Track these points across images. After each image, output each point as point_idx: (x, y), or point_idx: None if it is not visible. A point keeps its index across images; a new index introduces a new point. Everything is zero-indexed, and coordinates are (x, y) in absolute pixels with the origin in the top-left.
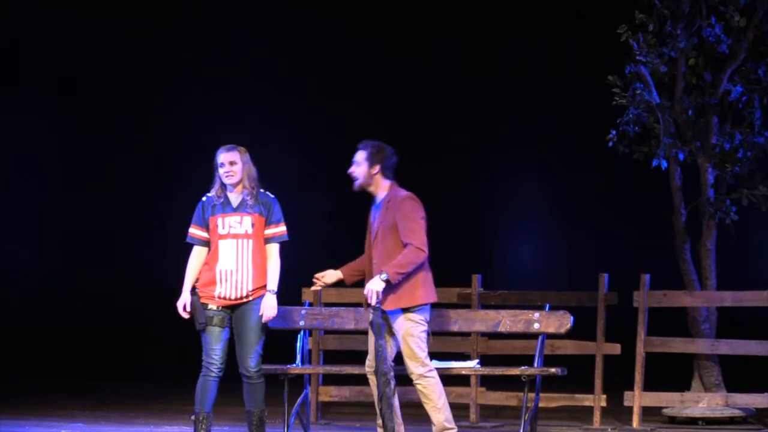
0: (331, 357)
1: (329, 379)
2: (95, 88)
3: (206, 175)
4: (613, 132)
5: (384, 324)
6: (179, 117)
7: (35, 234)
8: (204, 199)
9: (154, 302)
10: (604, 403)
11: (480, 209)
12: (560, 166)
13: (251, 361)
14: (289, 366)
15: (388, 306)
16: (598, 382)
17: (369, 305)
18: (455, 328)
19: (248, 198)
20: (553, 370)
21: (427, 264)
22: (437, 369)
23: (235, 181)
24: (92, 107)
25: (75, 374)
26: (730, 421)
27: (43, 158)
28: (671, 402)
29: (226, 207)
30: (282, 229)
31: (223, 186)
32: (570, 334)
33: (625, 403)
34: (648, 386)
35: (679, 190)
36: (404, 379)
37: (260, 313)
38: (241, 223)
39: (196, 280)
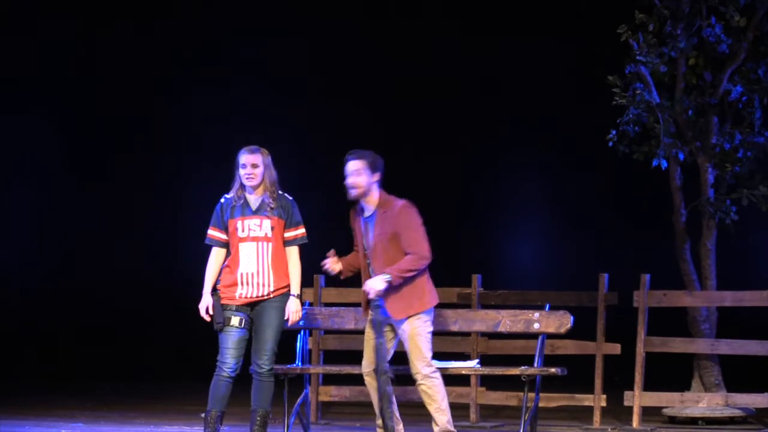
0: (331, 357)
1: (329, 379)
2: (95, 88)
3: (206, 175)
4: (613, 132)
5: (384, 322)
6: (179, 117)
7: (35, 234)
8: (222, 200)
9: (154, 302)
10: (604, 403)
11: (480, 209)
12: (560, 166)
13: (265, 359)
14: (289, 366)
15: (399, 315)
16: (598, 382)
17: (368, 306)
18: (455, 328)
19: (269, 201)
20: (553, 370)
21: (426, 269)
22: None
23: (256, 183)
24: (92, 107)
25: (75, 374)
26: (730, 421)
27: (43, 158)
28: (671, 402)
29: (245, 209)
30: (301, 231)
31: (242, 187)
32: (570, 334)
33: (625, 403)
34: (648, 386)
35: (679, 190)
36: (402, 380)
37: (285, 317)
38: (261, 226)
39: (217, 281)
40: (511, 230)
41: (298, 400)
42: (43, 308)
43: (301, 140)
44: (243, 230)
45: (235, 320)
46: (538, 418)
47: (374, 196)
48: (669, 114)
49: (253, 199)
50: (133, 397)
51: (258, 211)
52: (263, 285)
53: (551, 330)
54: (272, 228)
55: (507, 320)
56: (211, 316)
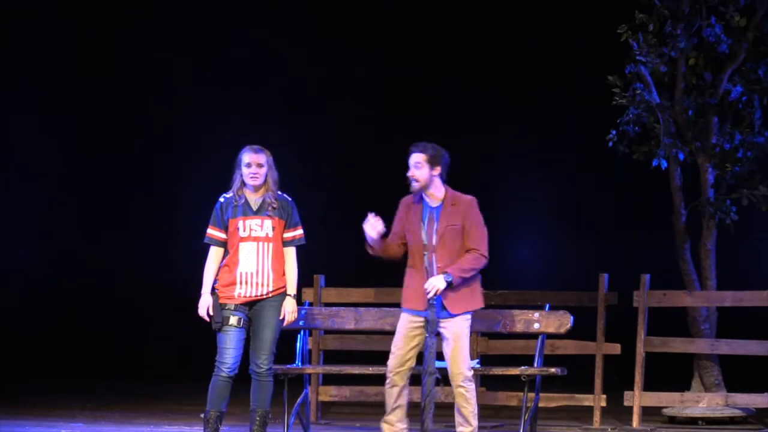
0: (331, 357)
1: (329, 379)
2: (95, 88)
3: (206, 175)
4: (613, 132)
5: (438, 322)
6: (179, 117)
7: (35, 234)
8: (222, 200)
9: (154, 302)
10: (604, 403)
11: (480, 209)
12: (560, 166)
13: (264, 359)
14: (289, 366)
15: (457, 310)
16: (598, 382)
17: (425, 299)
18: None
19: (270, 201)
20: (553, 370)
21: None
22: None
23: (259, 183)
24: (92, 107)
25: (75, 374)
26: (730, 421)
27: (43, 158)
28: (671, 402)
29: (246, 209)
30: (300, 232)
31: (243, 186)
32: (570, 334)
33: (625, 403)
34: (648, 386)
35: (679, 190)
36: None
37: (281, 316)
38: (262, 227)
39: (215, 281)
40: (511, 230)
41: (298, 400)
42: (43, 308)
43: (301, 140)
44: (244, 230)
45: (233, 320)
46: (538, 418)
47: (438, 190)
48: (669, 114)
49: (254, 199)
50: (133, 397)
51: (259, 211)
52: (262, 285)
53: (551, 330)
54: (273, 228)
55: (507, 320)
56: (210, 316)
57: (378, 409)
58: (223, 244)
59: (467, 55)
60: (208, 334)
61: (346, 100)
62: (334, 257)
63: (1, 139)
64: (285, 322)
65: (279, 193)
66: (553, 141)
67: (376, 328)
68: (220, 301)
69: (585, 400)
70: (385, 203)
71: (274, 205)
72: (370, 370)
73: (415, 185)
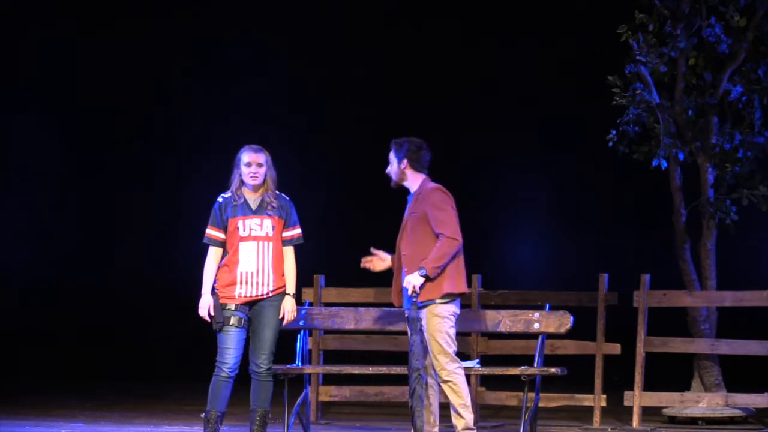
0: (331, 357)
1: (329, 379)
2: (95, 89)
3: (206, 175)
4: (613, 132)
5: (421, 319)
6: (179, 117)
7: (35, 234)
8: (220, 199)
9: (154, 302)
10: (604, 403)
11: (480, 209)
12: (560, 166)
13: (264, 359)
14: (289, 366)
15: (420, 299)
16: (598, 382)
17: (399, 295)
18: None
19: (270, 200)
20: (553, 370)
21: (461, 253)
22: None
23: (259, 182)
24: (92, 107)
25: (75, 374)
26: (730, 421)
27: (43, 158)
28: (671, 402)
29: (245, 209)
30: (298, 231)
31: (241, 186)
32: (570, 334)
33: (625, 403)
34: (648, 386)
35: (679, 190)
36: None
37: (280, 315)
38: (262, 226)
39: (214, 281)
40: (511, 230)
41: (298, 400)
42: (43, 308)
43: (301, 140)
44: (244, 230)
45: (234, 320)
46: (538, 418)
47: (413, 182)
48: (669, 114)
49: (253, 199)
50: (133, 397)
51: (258, 211)
52: (262, 284)
53: (551, 330)
54: (273, 228)
55: (507, 320)
56: (211, 316)
57: (378, 409)
58: (222, 244)
59: (467, 54)
60: (208, 334)
61: (345, 100)
62: (334, 257)
63: (1, 139)
64: (284, 322)
65: (277, 192)
66: (553, 141)
67: (376, 328)
68: (221, 301)
69: (585, 400)
70: (385, 204)
71: (274, 204)
72: (370, 370)
73: (391, 181)
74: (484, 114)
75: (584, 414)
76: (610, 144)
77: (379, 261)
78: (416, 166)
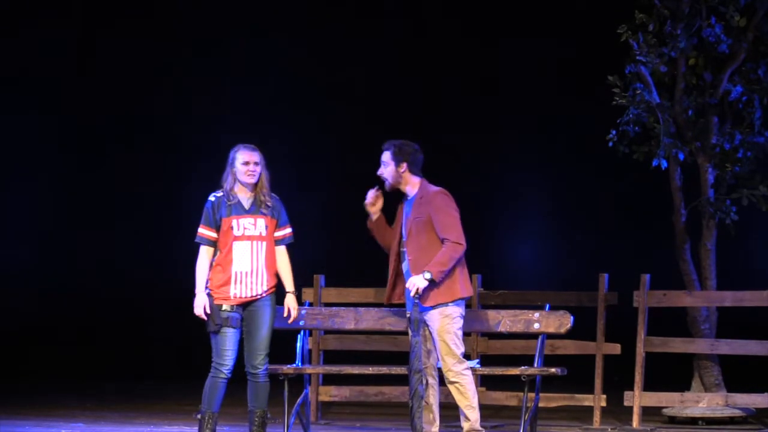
0: (331, 357)
1: (329, 379)
2: (95, 88)
3: (206, 175)
4: (613, 132)
5: (422, 320)
6: (179, 117)
7: (35, 234)
8: (212, 198)
9: (154, 302)
10: (604, 403)
11: (480, 209)
12: (560, 166)
13: (260, 359)
14: (289, 366)
15: (428, 303)
16: (598, 382)
17: (392, 294)
18: None
19: (265, 199)
20: (553, 370)
21: (463, 257)
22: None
23: (255, 181)
24: (92, 107)
25: (75, 374)
26: (730, 421)
27: (43, 158)
28: (671, 402)
29: (239, 208)
30: (289, 231)
31: (235, 185)
32: (570, 334)
33: (625, 403)
34: (648, 386)
35: (679, 190)
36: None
37: (284, 314)
38: (256, 225)
39: (207, 281)
40: (511, 230)
41: (298, 400)
42: (43, 308)
43: (301, 140)
44: (238, 229)
45: (231, 320)
46: (538, 418)
47: (412, 185)
48: (669, 114)
49: (245, 198)
50: (133, 397)
51: (251, 210)
52: (256, 284)
53: (551, 330)
54: (266, 227)
55: (507, 320)
56: (207, 315)
57: (378, 409)
58: (215, 243)
59: (467, 55)
60: (207, 333)
61: (345, 100)
62: (334, 257)
63: (1, 139)
64: (291, 319)
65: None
66: (553, 141)
67: (376, 328)
68: (215, 302)
69: (585, 400)
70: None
71: (269, 203)
72: (370, 370)
73: (386, 184)
74: (484, 114)
75: (584, 414)
76: (610, 144)
77: (374, 202)
78: (414, 170)
